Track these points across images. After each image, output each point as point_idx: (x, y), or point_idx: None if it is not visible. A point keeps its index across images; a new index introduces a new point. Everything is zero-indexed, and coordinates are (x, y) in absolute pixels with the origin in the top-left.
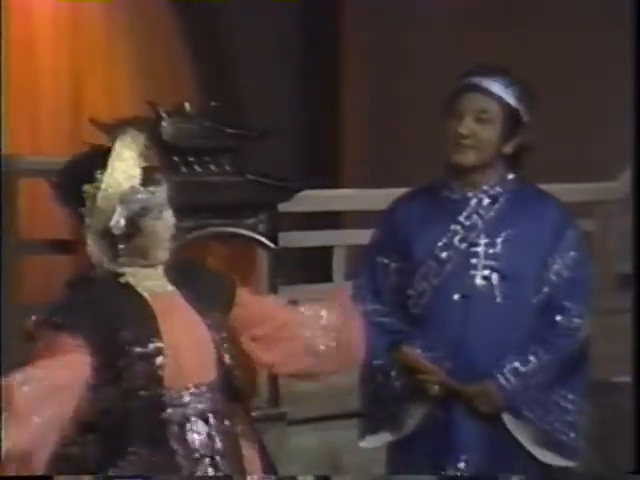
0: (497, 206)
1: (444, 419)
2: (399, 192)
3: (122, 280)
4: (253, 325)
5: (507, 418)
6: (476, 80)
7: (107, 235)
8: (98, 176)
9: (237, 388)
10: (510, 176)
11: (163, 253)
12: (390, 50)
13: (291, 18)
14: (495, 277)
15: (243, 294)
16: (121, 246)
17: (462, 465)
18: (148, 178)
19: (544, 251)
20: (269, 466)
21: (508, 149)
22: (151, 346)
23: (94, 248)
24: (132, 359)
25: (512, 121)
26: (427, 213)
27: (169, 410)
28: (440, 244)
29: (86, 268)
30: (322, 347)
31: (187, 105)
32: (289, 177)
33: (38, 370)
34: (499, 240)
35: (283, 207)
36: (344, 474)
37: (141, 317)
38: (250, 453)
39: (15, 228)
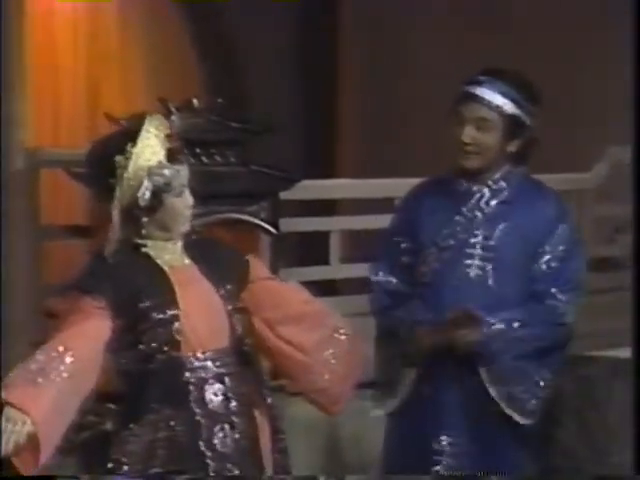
0: (498, 200)
1: (430, 394)
2: (391, 182)
3: (143, 251)
4: (266, 307)
5: (485, 377)
6: (475, 90)
7: (133, 207)
8: (129, 149)
9: (248, 355)
10: (515, 171)
11: (182, 228)
12: (389, 48)
13: (291, 18)
14: (489, 267)
15: (257, 273)
16: (144, 219)
17: (445, 441)
18: (172, 158)
19: (537, 243)
20: (277, 428)
21: (512, 148)
22: (169, 313)
23: (120, 219)
24: (151, 324)
25: (513, 125)
26: (436, 202)
27: (187, 373)
28: (443, 232)
29: (110, 241)
30: (344, 339)
31: (195, 101)
32: (290, 168)
33: (61, 346)
34: (496, 233)
35: (284, 195)
36: (342, 443)
37: (160, 286)
38: (260, 416)
39: (37, 215)
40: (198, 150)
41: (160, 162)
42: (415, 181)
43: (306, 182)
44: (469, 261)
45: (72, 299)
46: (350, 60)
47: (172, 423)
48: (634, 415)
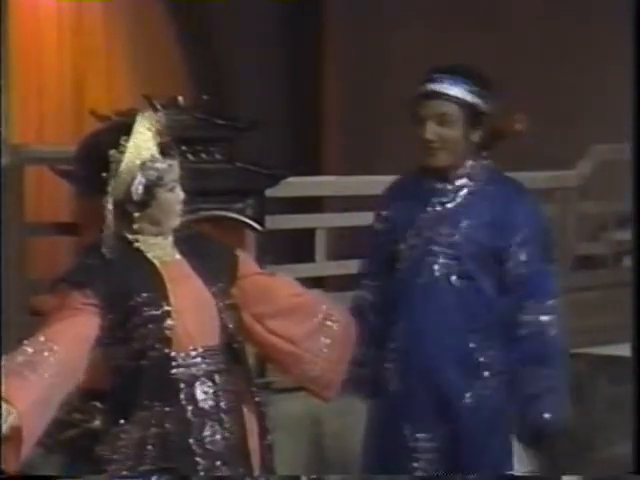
0: (461, 196)
1: (403, 392)
2: (376, 179)
3: (134, 246)
4: (255, 302)
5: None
6: (432, 87)
7: (125, 202)
8: (123, 143)
9: (238, 352)
10: (479, 165)
11: (173, 223)
12: (374, 46)
13: (277, 16)
14: (454, 265)
15: (245, 269)
16: (136, 214)
17: (420, 439)
18: (164, 153)
19: (497, 246)
20: (264, 426)
21: (475, 139)
22: (161, 309)
23: (111, 214)
24: (143, 321)
25: (473, 116)
26: (404, 201)
27: (178, 370)
28: (410, 231)
29: (106, 235)
30: (335, 327)
31: (180, 98)
32: (275, 165)
33: (45, 342)
34: (459, 230)
35: (270, 193)
36: (325, 440)
37: (152, 282)
38: (249, 413)
39: (21, 212)
40: (184, 147)
41: (153, 156)
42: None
43: (292, 179)
44: (435, 259)
45: (61, 294)
46: (336, 57)
47: (163, 420)
48: (634, 415)
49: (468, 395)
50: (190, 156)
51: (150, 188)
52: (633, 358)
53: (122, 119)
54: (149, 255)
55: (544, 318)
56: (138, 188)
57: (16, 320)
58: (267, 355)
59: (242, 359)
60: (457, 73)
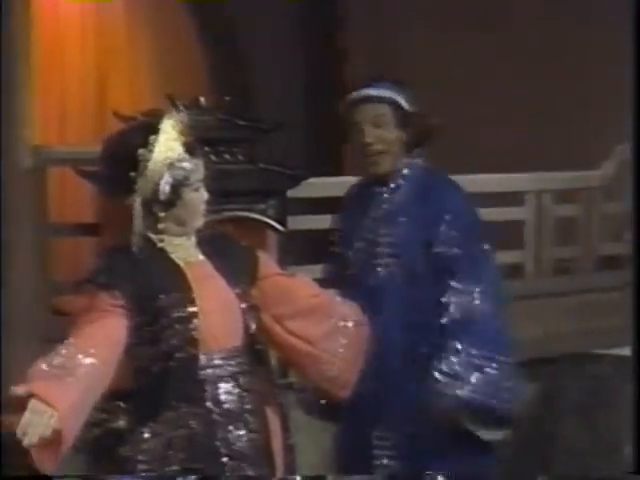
0: (397, 197)
1: (370, 392)
2: None
3: (159, 246)
4: (274, 303)
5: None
6: (363, 92)
7: (152, 201)
8: (151, 142)
9: (261, 353)
10: (413, 164)
11: (197, 224)
12: (392, 44)
13: (295, 15)
14: (396, 265)
15: (266, 270)
16: (162, 214)
17: (385, 440)
18: (190, 152)
19: (430, 234)
20: (286, 427)
21: (406, 138)
22: (187, 310)
23: (138, 214)
24: (169, 322)
25: (402, 115)
26: (351, 209)
27: (204, 371)
28: (355, 237)
29: (134, 235)
30: (351, 327)
31: (202, 99)
32: (297, 166)
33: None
34: (396, 229)
35: (292, 193)
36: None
37: (177, 283)
38: (272, 414)
39: (44, 212)
40: (206, 148)
41: (180, 156)
42: None
43: (313, 180)
44: (378, 261)
45: (89, 295)
46: (355, 57)
47: (189, 421)
48: (634, 415)
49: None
50: (213, 157)
51: (176, 187)
52: (633, 358)
53: (148, 119)
54: (173, 256)
55: (476, 303)
56: (165, 187)
57: (40, 319)
58: (285, 355)
59: (265, 360)
60: (380, 80)
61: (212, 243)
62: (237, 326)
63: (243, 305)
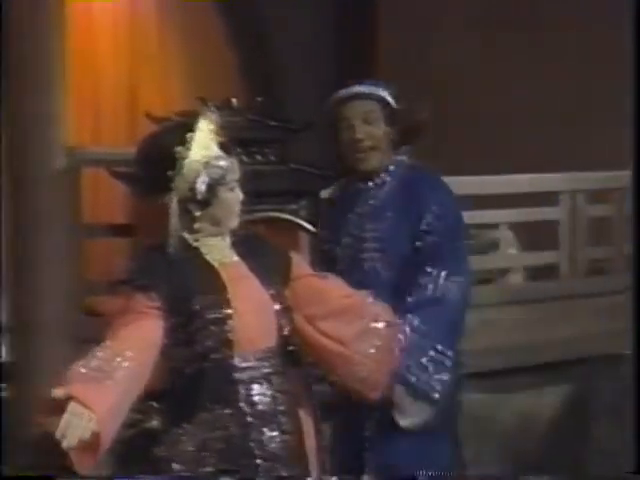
0: (383, 192)
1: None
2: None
3: (194, 246)
4: (306, 304)
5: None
6: (355, 88)
7: (188, 200)
8: (188, 140)
9: (295, 354)
10: (399, 161)
11: (232, 224)
12: (421, 45)
13: (326, 17)
14: (380, 259)
15: (298, 271)
16: (197, 213)
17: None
18: (226, 151)
19: (415, 227)
20: (318, 428)
21: (393, 135)
22: (222, 312)
23: (175, 213)
24: (204, 323)
25: (389, 112)
26: (338, 206)
27: (238, 373)
28: (343, 233)
29: (171, 234)
30: (383, 328)
31: (234, 100)
32: (329, 166)
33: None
34: (383, 225)
35: (324, 194)
36: None
37: (212, 284)
38: (304, 415)
39: (77, 213)
40: (238, 149)
41: (217, 154)
42: (457, 179)
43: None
44: (364, 255)
45: (125, 296)
46: (386, 58)
47: (224, 422)
48: (634, 415)
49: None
50: (244, 158)
51: (213, 186)
52: (633, 359)
53: (184, 118)
54: (208, 257)
55: (448, 289)
56: (202, 186)
57: (72, 320)
58: (316, 356)
59: (297, 361)
60: (365, 79)
61: (246, 244)
62: (271, 327)
63: (277, 306)
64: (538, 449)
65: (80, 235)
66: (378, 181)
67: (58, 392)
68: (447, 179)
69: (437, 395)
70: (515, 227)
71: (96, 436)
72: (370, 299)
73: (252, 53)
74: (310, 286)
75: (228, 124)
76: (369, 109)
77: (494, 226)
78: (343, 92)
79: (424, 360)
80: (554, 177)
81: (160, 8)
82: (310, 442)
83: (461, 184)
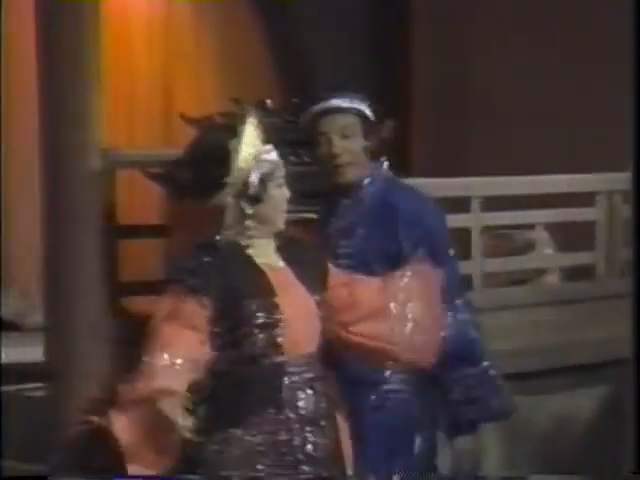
0: (358, 208)
1: None
2: (467, 181)
3: (244, 247)
4: (338, 312)
5: None
6: (331, 103)
7: (241, 196)
8: (240, 132)
9: (333, 359)
10: (375, 175)
11: (280, 223)
12: (459, 45)
13: (363, 20)
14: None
15: (334, 280)
16: (249, 211)
17: None
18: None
19: (396, 245)
20: (352, 432)
21: (369, 148)
22: (272, 317)
23: (230, 209)
24: (254, 328)
25: (367, 125)
26: (321, 218)
27: (286, 377)
28: (322, 248)
29: (227, 227)
30: (416, 289)
31: (269, 102)
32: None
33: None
34: (352, 241)
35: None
36: None
37: (262, 288)
38: (341, 419)
39: (113, 214)
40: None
41: (266, 149)
42: (492, 180)
43: None
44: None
45: (174, 297)
46: (424, 57)
47: (270, 426)
48: (634, 415)
49: (373, 397)
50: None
51: (264, 181)
52: (633, 359)
53: (231, 116)
54: (258, 261)
55: (460, 316)
56: (254, 180)
57: (106, 321)
58: (356, 353)
59: (335, 365)
60: (343, 89)
61: (290, 249)
62: (315, 333)
63: (320, 312)
64: (574, 451)
65: (114, 236)
66: (355, 196)
67: (142, 389)
68: (483, 180)
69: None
70: (551, 228)
71: None
72: (403, 278)
73: (287, 52)
74: (341, 295)
75: (265, 125)
76: (348, 123)
77: (530, 227)
78: (321, 105)
79: None
80: (591, 177)
81: (195, 8)
82: (347, 446)
83: (496, 185)
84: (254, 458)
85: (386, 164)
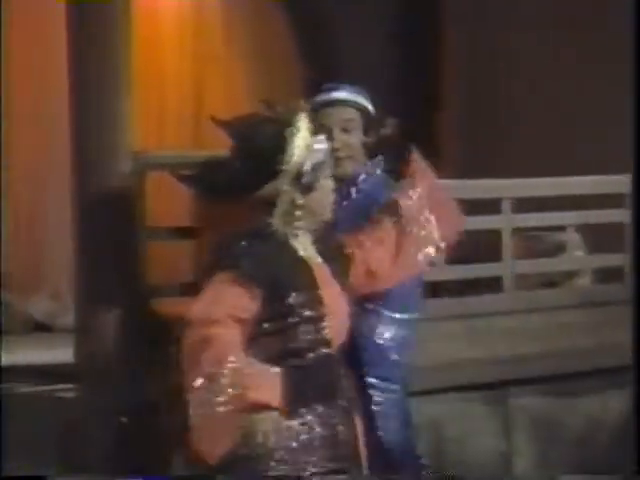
0: (347, 203)
1: None
2: (494, 183)
3: (290, 243)
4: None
5: None
6: (335, 95)
7: (295, 184)
8: (296, 122)
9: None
10: (371, 170)
11: (329, 212)
12: (491, 43)
13: (394, 18)
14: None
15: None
16: (300, 201)
17: None
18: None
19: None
20: (369, 426)
21: (367, 143)
22: (318, 311)
23: (286, 197)
24: (299, 320)
25: (368, 119)
26: None
27: (335, 370)
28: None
29: (260, 223)
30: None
31: (302, 102)
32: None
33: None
34: (341, 232)
35: None
36: (445, 444)
37: (307, 282)
38: (358, 415)
39: (143, 216)
40: None
41: (318, 138)
42: (524, 181)
43: None
44: None
45: (223, 279)
46: (455, 56)
47: (332, 421)
48: (634, 415)
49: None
50: None
51: (315, 169)
52: (633, 360)
53: (281, 108)
54: (302, 254)
55: (400, 332)
56: (308, 168)
57: (136, 322)
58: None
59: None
60: (343, 83)
61: (323, 244)
62: (345, 329)
63: (349, 308)
64: (605, 452)
65: (145, 238)
66: (344, 192)
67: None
68: (514, 182)
69: None
70: (582, 229)
71: None
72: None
73: (318, 52)
74: (359, 273)
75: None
76: (349, 117)
77: (561, 228)
78: (322, 97)
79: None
80: (621, 179)
81: (225, 8)
82: (362, 439)
83: (526, 187)
84: (312, 452)
85: (381, 162)
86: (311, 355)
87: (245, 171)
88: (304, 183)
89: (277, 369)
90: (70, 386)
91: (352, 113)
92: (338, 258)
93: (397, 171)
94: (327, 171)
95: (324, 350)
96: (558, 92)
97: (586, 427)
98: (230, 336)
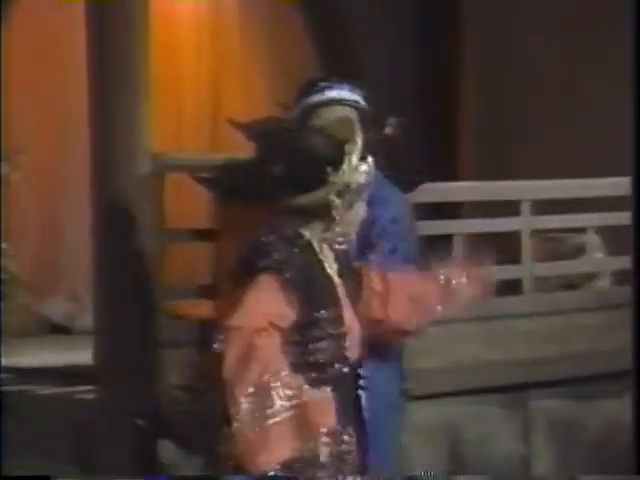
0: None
1: None
2: (514, 185)
3: (318, 257)
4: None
5: None
6: (332, 94)
7: (344, 193)
8: (354, 137)
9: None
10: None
11: (354, 234)
12: (509, 46)
13: (411, 20)
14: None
15: (368, 280)
16: (337, 217)
17: None
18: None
19: (366, 238)
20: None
21: (365, 142)
22: (340, 328)
23: (338, 207)
24: (322, 336)
25: (364, 119)
26: None
27: (355, 388)
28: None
29: (288, 231)
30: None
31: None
32: (413, 171)
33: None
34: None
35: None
36: (463, 447)
37: (332, 299)
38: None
39: (161, 218)
40: None
41: (368, 161)
42: (544, 183)
43: (430, 185)
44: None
45: (269, 282)
46: (473, 57)
47: (348, 435)
48: (634, 415)
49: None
50: None
51: (359, 191)
52: (633, 360)
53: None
54: (329, 271)
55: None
56: (354, 186)
57: (155, 323)
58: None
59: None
60: (341, 81)
61: (340, 263)
62: (359, 348)
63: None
64: (624, 454)
65: (163, 240)
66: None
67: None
68: (533, 183)
69: None
70: (602, 231)
71: None
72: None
73: (336, 54)
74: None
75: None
76: (347, 115)
77: (581, 230)
78: (317, 97)
79: None
80: None
81: (242, 10)
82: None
83: (545, 188)
84: (339, 465)
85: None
86: (331, 370)
87: (280, 176)
88: (348, 200)
89: (328, 390)
90: (89, 388)
91: (348, 111)
92: (353, 279)
93: (397, 171)
94: (365, 194)
95: (344, 368)
96: (573, 93)
97: (605, 429)
98: (275, 346)
